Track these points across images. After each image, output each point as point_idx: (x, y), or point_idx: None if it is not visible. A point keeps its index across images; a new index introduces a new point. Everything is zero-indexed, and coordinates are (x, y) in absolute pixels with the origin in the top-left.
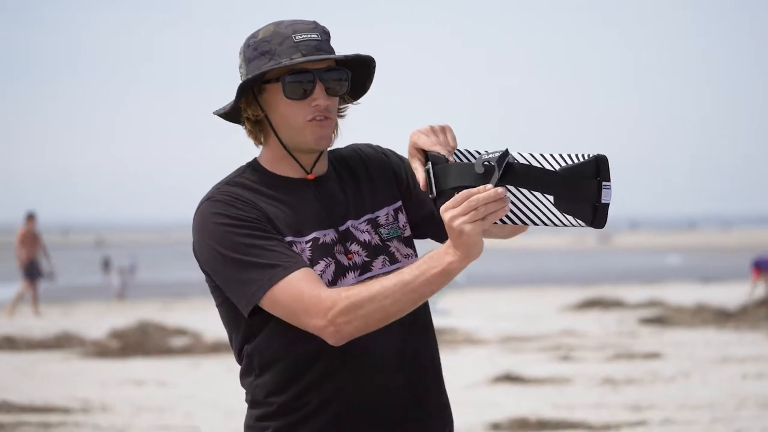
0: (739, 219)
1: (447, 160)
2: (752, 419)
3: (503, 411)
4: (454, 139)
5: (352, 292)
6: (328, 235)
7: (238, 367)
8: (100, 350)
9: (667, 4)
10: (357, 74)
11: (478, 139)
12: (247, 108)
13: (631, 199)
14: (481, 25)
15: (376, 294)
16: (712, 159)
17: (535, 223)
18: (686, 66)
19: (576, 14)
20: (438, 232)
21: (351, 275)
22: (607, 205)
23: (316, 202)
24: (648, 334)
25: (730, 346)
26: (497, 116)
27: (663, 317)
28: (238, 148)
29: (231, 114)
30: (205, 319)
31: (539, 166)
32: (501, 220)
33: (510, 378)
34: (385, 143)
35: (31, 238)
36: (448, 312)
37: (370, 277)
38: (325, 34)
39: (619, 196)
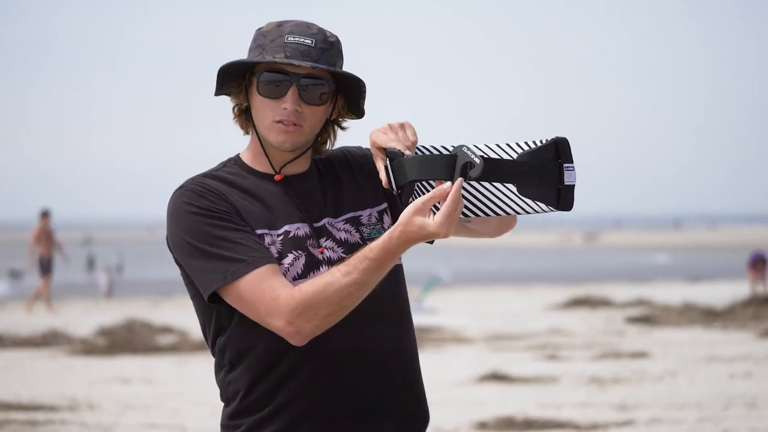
0: (724, 218)
1: (402, 155)
2: (739, 419)
3: (489, 410)
4: (414, 134)
5: (307, 293)
6: (300, 229)
7: None
8: (88, 348)
9: (662, 4)
10: (350, 92)
11: (464, 135)
12: (237, 95)
13: (615, 197)
14: (472, 20)
15: (332, 294)
16: (697, 158)
17: (501, 214)
18: (676, 66)
19: (569, 10)
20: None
21: (324, 269)
22: (572, 186)
23: (290, 198)
24: (635, 333)
25: (717, 345)
26: (487, 110)
27: (650, 316)
28: (227, 144)
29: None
30: (192, 317)
31: (496, 157)
32: (464, 214)
33: (496, 377)
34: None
35: (46, 235)
36: (435, 310)
37: None
38: (327, 43)
39: (602, 194)
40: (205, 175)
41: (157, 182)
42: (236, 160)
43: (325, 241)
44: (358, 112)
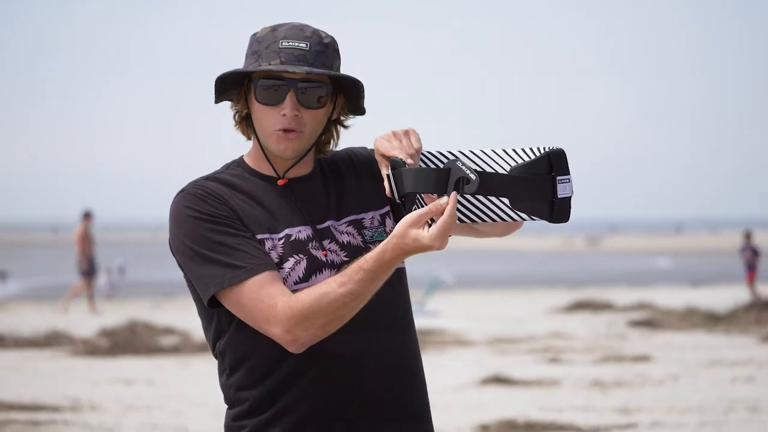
0: (725, 222)
1: (404, 164)
2: (741, 423)
3: (491, 413)
4: (418, 141)
5: (304, 303)
6: (302, 232)
7: None
8: (90, 349)
9: (661, 5)
10: (349, 91)
11: (464, 137)
12: (236, 103)
13: (614, 202)
14: (473, 22)
15: (328, 304)
16: (697, 162)
17: (496, 220)
18: (675, 69)
19: (567, 13)
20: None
21: (326, 272)
22: (567, 198)
23: (292, 200)
24: (637, 337)
25: (719, 349)
26: (485, 112)
27: (652, 320)
28: (229, 146)
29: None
30: (194, 318)
31: (490, 170)
32: (460, 220)
33: (498, 380)
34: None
35: (88, 236)
36: (437, 313)
37: None
38: (322, 45)
39: (601, 199)
40: (207, 177)
41: (162, 184)
42: (240, 163)
43: (329, 243)
44: (359, 111)
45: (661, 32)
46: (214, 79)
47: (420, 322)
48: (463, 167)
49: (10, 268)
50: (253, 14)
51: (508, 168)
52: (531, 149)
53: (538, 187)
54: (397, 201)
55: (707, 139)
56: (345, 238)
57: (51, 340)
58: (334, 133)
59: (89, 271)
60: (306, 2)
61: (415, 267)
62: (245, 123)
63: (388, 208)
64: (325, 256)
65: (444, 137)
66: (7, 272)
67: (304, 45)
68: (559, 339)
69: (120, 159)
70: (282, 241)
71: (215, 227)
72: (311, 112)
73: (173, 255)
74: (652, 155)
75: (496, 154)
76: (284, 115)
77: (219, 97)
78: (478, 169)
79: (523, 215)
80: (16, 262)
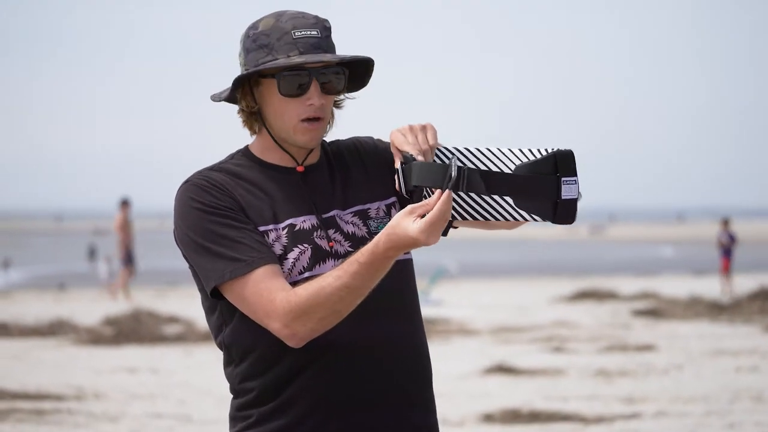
0: (726, 211)
1: (413, 159)
2: (746, 412)
3: (495, 402)
4: (434, 137)
5: (302, 298)
6: (307, 221)
7: None
8: (94, 337)
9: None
10: (356, 69)
11: (465, 128)
12: (242, 99)
13: (615, 190)
14: (475, 16)
15: (325, 299)
16: (698, 151)
17: (499, 219)
18: (678, 57)
19: (570, 2)
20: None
21: (330, 262)
22: (572, 200)
23: (299, 190)
24: (641, 326)
25: (723, 338)
26: (487, 103)
27: (656, 309)
28: (236, 133)
29: (229, 98)
30: (198, 307)
31: (495, 168)
32: (463, 217)
33: (502, 369)
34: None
35: (127, 224)
36: (441, 302)
37: None
38: (326, 29)
39: (599, 187)
40: (211, 168)
41: (168, 172)
42: (245, 152)
43: (334, 233)
44: (361, 86)
45: (669, 17)
46: (233, 80)
47: (424, 311)
48: (467, 161)
49: (14, 256)
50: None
51: (514, 167)
52: (540, 149)
53: (541, 186)
54: (405, 195)
55: (708, 128)
56: (350, 228)
57: (55, 329)
58: (332, 116)
59: (127, 259)
60: None
61: (419, 256)
62: (253, 118)
63: (394, 198)
64: (331, 247)
65: (456, 128)
66: (11, 260)
67: (315, 32)
68: (564, 328)
69: (125, 146)
70: (286, 231)
71: (218, 219)
72: (330, 98)
73: (177, 245)
74: (651, 143)
75: (508, 152)
76: (312, 104)
77: (228, 96)
78: (483, 167)
79: (526, 215)
80: (19, 250)
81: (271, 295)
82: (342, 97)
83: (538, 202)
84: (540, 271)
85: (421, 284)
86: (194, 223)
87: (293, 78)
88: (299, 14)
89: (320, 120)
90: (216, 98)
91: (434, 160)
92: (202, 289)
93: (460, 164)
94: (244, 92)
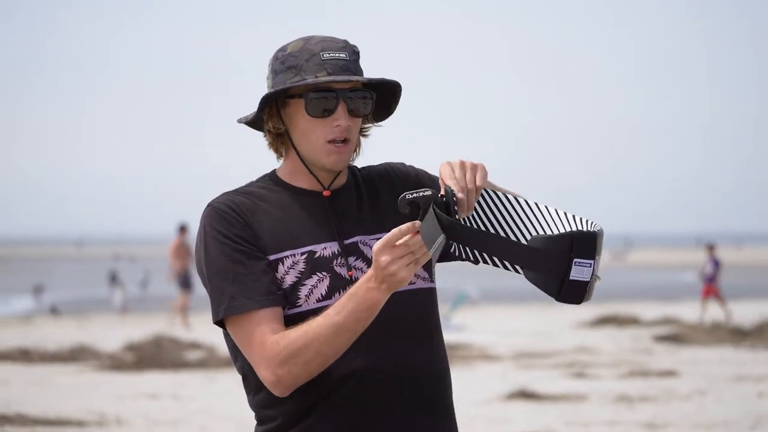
0: (745, 236)
1: (454, 195)
2: None
3: (517, 427)
4: (482, 179)
5: (289, 340)
6: (327, 249)
7: None
8: (115, 363)
9: (678, 12)
10: (383, 96)
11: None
12: (269, 120)
13: (628, 215)
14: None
15: (311, 341)
16: (709, 176)
17: (509, 270)
18: (687, 78)
19: (578, 23)
20: (463, 253)
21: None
22: (581, 282)
23: (323, 214)
24: (663, 352)
25: (745, 364)
26: (495, 123)
27: (678, 335)
28: (264, 157)
29: (254, 122)
30: (220, 333)
31: (517, 220)
32: (474, 258)
33: (524, 394)
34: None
35: (184, 250)
36: (463, 328)
37: None
38: (354, 54)
39: (615, 212)
40: (237, 191)
41: (189, 194)
42: (272, 176)
43: (355, 260)
44: (388, 114)
45: (681, 37)
46: (260, 98)
47: (446, 336)
48: (494, 212)
49: (33, 282)
50: (246, 18)
51: (541, 231)
52: (577, 219)
53: (551, 263)
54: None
55: (720, 152)
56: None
57: (76, 355)
58: (359, 143)
59: (184, 283)
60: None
61: (440, 282)
62: (279, 140)
63: None
64: (351, 276)
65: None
66: (44, 286)
67: (344, 55)
68: (585, 354)
69: (149, 169)
70: (305, 257)
71: (230, 252)
72: (357, 121)
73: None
74: (664, 167)
75: (545, 212)
76: (338, 125)
77: (255, 119)
78: (516, 223)
79: (533, 284)
80: (40, 276)
81: (262, 338)
82: (368, 125)
83: (544, 276)
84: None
85: (442, 309)
86: (207, 252)
87: (320, 99)
88: (328, 38)
89: (347, 142)
90: (243, 120)
91: (478, 202)
92: None
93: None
94: (270, 113)
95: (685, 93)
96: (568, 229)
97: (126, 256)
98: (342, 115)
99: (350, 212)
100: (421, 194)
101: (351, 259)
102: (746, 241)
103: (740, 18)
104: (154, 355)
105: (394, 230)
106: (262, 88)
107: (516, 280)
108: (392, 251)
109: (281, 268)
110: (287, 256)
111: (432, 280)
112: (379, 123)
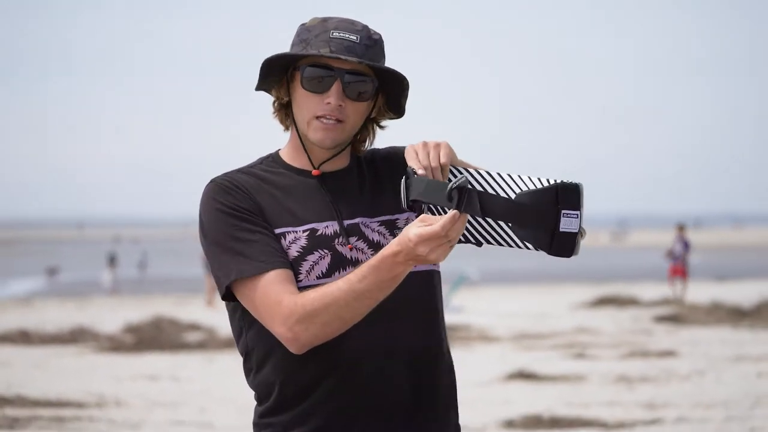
0: (744, 217)
1: (414, 174)
2: (767, 418)
3: (517, 408)
4: (446, 156)
5: (308, 300)
6: (329, 227)
7: None
8: (115, 345)
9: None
10: (392, 90)
11: (472, 134)
12: (278, 90)
13: (625, 196)
14: (477, 21)
15: (330, 303)
16: (710, 156)
17: (502, 245)
18: (687, 58)
19: (575, 7)
20: (470, 237)
21: (350, 269)
22: (571, 234)
23: (323, 194)
24: (663, 332)
25: (745, 344)
26: (490, 109)
27: (678, 315)
28: (262, 142)
29: (267, 89)
30: (219, 314)
31: (497, 192)
32: (465, 237)
33: (524, 375)
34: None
35: None
36: (462, 309)
37: None
38: (370, 39)
39: (613, 193)
40: (239, 170)
41: (194, 179)
42: (274, 157)
43: (356, 240)
44: (399, 111)
45: (677, 21)
46: (261, 63)
47: (445, 317)
48: (471, 185)
49: (34, 264)
50: (267, 11)
51: (515, 193)
52: (548, 180)
53: (540, 216)
54: (405, 209)
55: (720, 134)
56: (375, 237)
57: (76, 337)
58: (371, 132)
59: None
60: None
61: (440, 263)
62: (284, 111)
63: None
64: (350, 250)
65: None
66: (58, 267)
67: (355, 37)
68: (585, 334)
69: (157, 154)
70: (307, 233)
71: (235, 222)
72: (355, 105)
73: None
74: (662, 148)
75: (518, 179)
76: (328, 103)
77: (261, 83)
78: (489, 190)
79: (520, 243)
80: (41, 258)
81: (278, 297)
82: (382, 117)
83: (535, 231)
84: (561, 277)
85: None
86: (212, 224)
87: (317, 74)
88: (347, 20)
89: (340, 123)
90: (257, 87)
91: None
92: None
93: (462, 184)
94: (281, 83)
95: (688, 75)
96: (528, 190)
97: (127, 238)
98: (334, 94)
99: (352, 194)
100: (458, 183)
101: (353, 239)
102: (747, 221)
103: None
104: (153, 337)
105: (437, 226)
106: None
107: (515, 261)
108: (431, 242)
109: (283, 243)
110: (289, 232)
111: (436, 264)
112: (386, 124)
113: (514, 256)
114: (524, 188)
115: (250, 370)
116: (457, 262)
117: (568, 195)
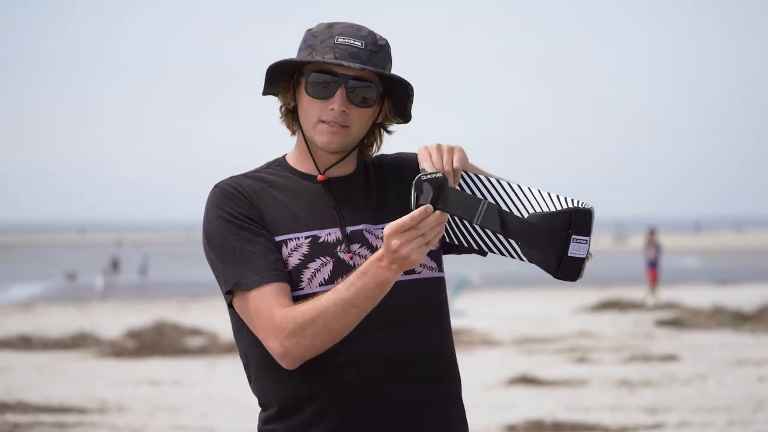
0: (744, 221)
1: (428, 177)
2: None
3: (519, 412)
4: (459, 161)
5: (298, 313)
6: (332, 234)
7: None
8: (117, 350)
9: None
10: (398, 95)
11: (475, 136)
12: (284, 95)
13: (624, 200)
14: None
15: (319, 314)
16: (708, 160)
17: (503, 255)
18: (689, 61)
19: (585, 11)
20: (474, 245)
21: None
22: (578, 259)
23: (328, 200)
24: (664, 337)
25: (746, 348)
26: (500, 109)
27: (679, 319)
28: (270, 146)
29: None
30: (221, 319)
31: (512, 206)
32: (465, 246)
33: (526, 379)
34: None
35: None
36: (464, 313)
37: None
38: (376, 45)
39: (612, 197)
40: (245, 174)
41: (196, 183)
42: (281, 161)
43: (359, 247)
44: (405, 116)
45: (680, 20)
46: (266, 69)
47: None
48: (484, 196)
49: (37, 269)
50: (256, 15)
51: (531, 211)
52: (561, 198)
53: (550, 239)
54: (413, 208)
55: (721, 139)
56: (379, 244)
57: (78, 342)
58: (378, 138)
59: None
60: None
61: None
62: (290, 117)
63: None
64: (351, 258)
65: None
66: (77, 272)
67: (360, 43)
68: (587, 338)
69: (162, 157)
70: (309, 241)
71: (236, 230)
72: (359, 111)
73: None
74: (660, 152)
75: (528, 192)
76: (332, 109)
77: (268, 88)
78: (501, 201)
79: (527, 261)
80: (42, 262)
81: (271, 312)
82: (390, 122)
83: (543, 253)
84: (562, 281)
85: None
86: (214, 231)
87: (321, 80)
88: (353, 25)
89: (344, 128)
90: (267, 92)
91: (458, 186)
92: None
93: (488, 200)
94: (287, 88)
95: (690, 81)
96: (558, 208)
97: (129, 242)
98: (338, 100)
99: (357, 200)
100: (433, 176)
101: (355, 246)
102: (747, 225)
103: (747, 16)
104: (155, 342)
105: (406, 216)
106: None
107: (517, 265)
108: (402, 235)
109: (285, 250)
110: (291, 239)
111: (440, 269)
112: (394, 129)
113: (516, 261)
114: (535, 203)
115: (250, 377)
116: (459, 266)
117: (580, 220)
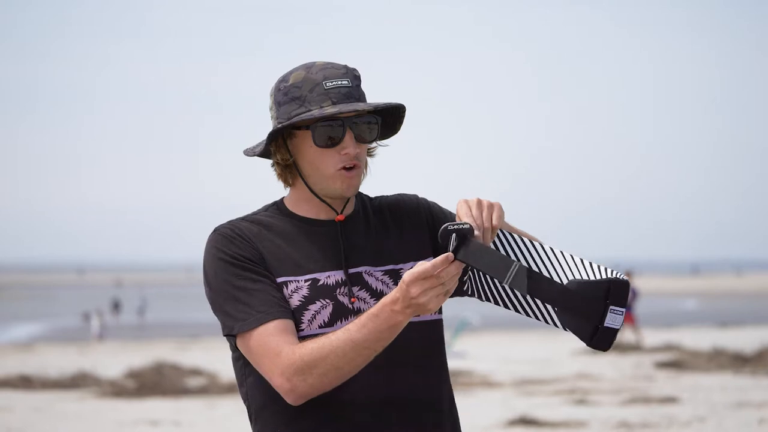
0: (742, 263)
1: (467, 232)
2: None
3: None
4: (498, 219)
5: (306, 350)
6: (332, 277)
7: None
8: (116, 390)
9: (683, 42)
10: (387, 117)
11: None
12: (276, 152)
13: (621, 242)
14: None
15: (328, 353)
16: (706, 203)
17: (539, 320)
18: (688, 102)
19: (587, 51)
20: (476, 291)
21: (353, 319)
22: (613, 329)
23: (329, 242)
24: (664, 378)
25: (746, 390)
26: (502, 146)
27: (679, 361)
28: (254, 187)
29: (264, 153)
30: (221, 359)
31: (544, 264)
32: (491, 300)
33: (525, 421)
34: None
35: None
36: (464, 355)
37: None
38: (356, 78)
39: (609, 238)
40: (243, 218)
41: (195, 224)
42: (279, 205)
43: (359, 290)
44: (391, 133)
45: (679, 62)
46: (268, 134)
47: (447, 363)
48: (517, 256)
49: (36, 309)
50: (234, 51)
51: (568, 276)
52: (598, 267)
53: (588, 308)
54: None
55: (720, 180)
56: (378, 286)
57: (78, 382)
58: (366, 165)
59: None
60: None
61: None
62: (288, 171)
63: (430, 259)
64: (353, 303)
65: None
66: (91, 313)
67: (346, 81)
68: (586, 380)
69: (161, 199)
70: (308, 283)
71: (237, 271)
72: (364, 147)
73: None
74: (658, 195)
75: (562, 259)
76: (347, 153)
77: (262, 151)
78: (539, 268)
79: (562, 327)
80: (42, 303)
81: (278, 348)
82: (374, 144)
83: (579, 320)
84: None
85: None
86: (215, 274)
87: (327, 128)
88: (328, 65)
89: (356, 168)
90: (250, 153)
91: (493, 243)
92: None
93: (520, 262)
94: (278, 145)
95: (690, 122)
96: (595, 277)
97: (129, 282)
98: (350, 143)
99: (357, 241)
100: (460, 227)
101: (355, 289)
102: (746, 268)
103: (750, 48)
104: (155, 382)
105: (427, 264)
106: (248, 121)
107: None
108: (423, 283)
109: (285, 291)
110: (291, 281)
111: (439, 312)
112: (385, 143)
113: None
114: (570, 269)
115: (250, 418)
116: (458, 308)
117: (618, 291)
